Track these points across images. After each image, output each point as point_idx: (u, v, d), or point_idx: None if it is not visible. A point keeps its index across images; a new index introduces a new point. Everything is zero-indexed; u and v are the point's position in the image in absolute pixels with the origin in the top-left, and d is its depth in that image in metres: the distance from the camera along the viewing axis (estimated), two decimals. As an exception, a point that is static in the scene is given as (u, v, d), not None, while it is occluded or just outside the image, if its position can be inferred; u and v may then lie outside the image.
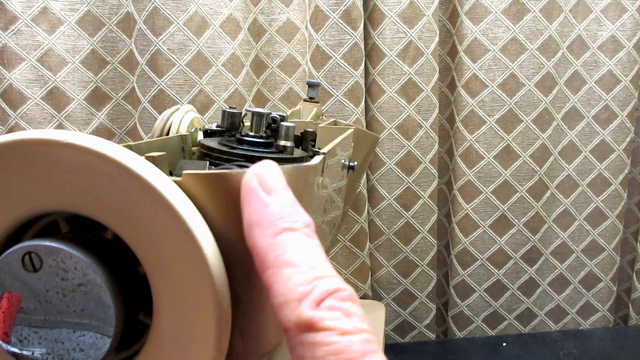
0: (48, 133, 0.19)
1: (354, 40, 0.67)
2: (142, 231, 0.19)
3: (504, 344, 0.75)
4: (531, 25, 0.71)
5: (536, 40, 0.71)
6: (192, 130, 0.36)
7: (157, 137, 0.36)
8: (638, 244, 0.82)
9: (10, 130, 0.66)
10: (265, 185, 0.19)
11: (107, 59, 0.69)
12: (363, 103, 0.70)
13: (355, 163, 0.42)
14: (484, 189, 0.75)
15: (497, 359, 0.72)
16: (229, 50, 0.66)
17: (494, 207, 0.75)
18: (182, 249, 0.19)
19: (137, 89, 0.66)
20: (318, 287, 0.16)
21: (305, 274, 0.17)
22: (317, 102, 0.53)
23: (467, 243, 0.76)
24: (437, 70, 0.72)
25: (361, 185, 0.71)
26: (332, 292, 0.17)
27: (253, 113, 0.29)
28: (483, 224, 0.76)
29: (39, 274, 0.19)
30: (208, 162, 0.27)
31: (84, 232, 0.21)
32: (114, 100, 0.71)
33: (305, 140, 0.32)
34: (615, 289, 0.83)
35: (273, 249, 0.18)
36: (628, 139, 0.78)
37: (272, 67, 0.73)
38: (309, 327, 0.16)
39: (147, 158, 0.20)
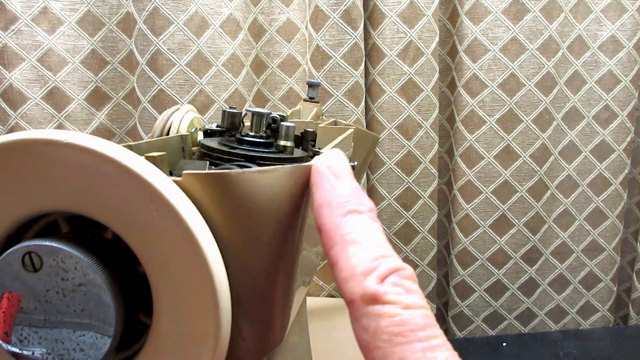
0: (48, 133, 0.19)
1: (354, 40, 0.67)
2: (142, 231, 0.19)
3: (504, 344, 0.75)
4: (531, 25, 0.71)
5: (536, 40, 0.71)
6: (192, 130, 0.36)
7: (157, 137, 0.36)
8: (638, 244, 0.82)
9: (11, 130, 0.66)
10: (334, 170, 0.21)
11: (107, 59, 0.69)
12: (363, 103, 0.70)
13: (355, 163, 0.42)
14: (484, 189, 0.75)
15: (497, 359, 0.72)
16: (229, 50, 0.66)
17: (494, 207, 0.75)
18: (182, 249, 0.19)
19: (137, 89, 0.66)
20: (383, 265, 0.18)
21: (370, 252, 0.18)
22: (317, 102, 0.53)
23: (467, 243, 0.76)
24: (437, 70, 0.72)
25: (361, 185, 0.71)
26: (395, 270, 0.18)
27: (253, 113, 0.29)
28: (483, 224, 0.76)
29: (39, 274, 0.19)
30: (208, 162, 0.27)
31: (84, 232, 0.21)
32: (114, 100, 0.71)
33: (305, 140, 0.32)
34: (615, 289, 0.83)
35: (340, 228, 0.19)
36: (628, 139, 0.78)
37: (272, 67, 0.73)
38: (374, 299, 0.17)
39: (147, 158, 0.20)
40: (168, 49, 0.63)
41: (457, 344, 0.78)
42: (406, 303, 0.17)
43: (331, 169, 0.21)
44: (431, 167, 0.74)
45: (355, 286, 0.18)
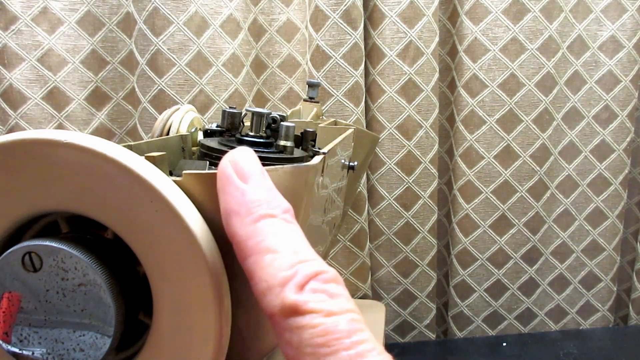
0: (48, 133, 0.19)
1: (354, 40, 0.67)
2: (142, 231, 0.19)
3: (504, 344, 0.75)
4: (531, 25, 0.71)
5: (536, 40, 0.71)
6: (192, 130, 0.36)
7: (157, 137, 0.36)
8: (638, 244, 0.82)
9: (11, 130, 0.66)
10: (241, 172, 0.19)
11: (107, 59, 0.69)
12: (363, 103, 0.70)
13: (355, 163, 0.42)
14: (484, 189, 0.75)
15: (497, 359, 0.72)
16: (229, 50, 0.66)
17: (494, 207, 0.75)
18: (182, 248, 0.19)
19: (137, 89, 0.66)
20: (301, 271, 0.17)
21: (287, 258, 0.17)
22: (317, 102, 0.53)
23: (467, 243, 0.76)
24: (437, 70, 0.72)
25: (361, 185, 0.71)
26: (315, 274, 0.17)
27: (253, 113, 0.29)
28: (483, 223, 0.76)
29: (39, 274, 0.19)
30: (208, 162, 0.27)
31: (84, 232, 0.21)
32: (114, 100, 0.71)
33: (305, 140, 0.32)
34: (615, 289, 0.83)
35: (253, 236, 0.17)
36: (628, 139, 0.78)
37: (272, 67, 0.73)
38: (294, 311, 0.16)
39: (147, 158, 0.20)
40: (168, 49, 0.63)
41: (457, 344, 0.78)
42: (329, 310, 0.16)
43: (238, 170, 0.19)
44: (431, 167, 0.74)
45: (273, 299, 0.16)
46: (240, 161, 0.19)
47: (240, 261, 0.18)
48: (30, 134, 0.19)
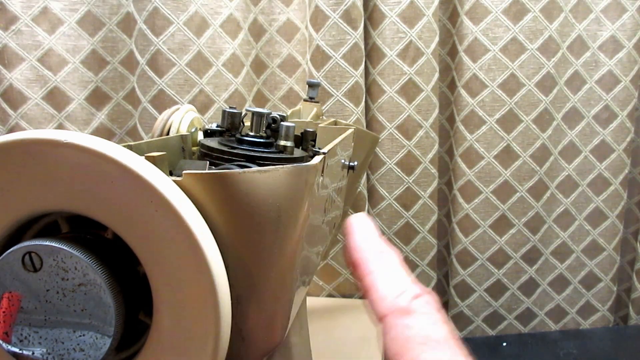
0: (48, 133, 0.19)
1: (354, 40, 0.67)
2: (142, 231, 0.19)
3: (504, 344, 0.75)
4: (531, 25, 0.71)
5: (536, 40, 0.71)
6: (192, 130, 0.36)
7: (157, 137, 0.36)
8: (638, 244, 0.82)
9: (11, 130, 0.66)
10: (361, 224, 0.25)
11: (107, 59, 0.69)
12: (363, 103, 0.70)
13: (355, 163, 0.42)
14: (484, 189, 0.75)
15: (497, 359, 0.72)
16: (229, 50, 0.67)
17: (494, 207, 0.75)
18: (182, 249, 0.19)
19: (137, 89, 0.67)
20: (412, 289, 0.22)
21: (401, 280, 0.22)
22: (317, 102, 0.53)
23: (467, 243, 0.76)
24: (437, 70, 0.72)
25: (361, 185, 0.71)
26: (423, 294, 0.22)
27: (253, 113, 0.29)
28: (483, 223, 0.76)
29: (39, 274, 0.19)
30: (208, 162, 0.27)
31: (84, 232, 0.21)
32: (114, 100, 0.71)
33: (305, 140, 0.32)
34: (615, 289, 0.83)
35: (376, 260, 0.23)
36: (628, 139, 0.78)
37: (272, 67, 0.73)
38: (406, 312, 0.21)
39: (147, 158, 0.20)
40: (168, 49, 0.63)
41: (457, 344, 0.78)
42: (434, 319, 0.20)
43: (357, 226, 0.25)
44: (431, 167, 0.74)
45: (389, 302, 0.21)
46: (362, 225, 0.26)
47: (361, 277, 0.23)
48: (30, 134, 0.19)
